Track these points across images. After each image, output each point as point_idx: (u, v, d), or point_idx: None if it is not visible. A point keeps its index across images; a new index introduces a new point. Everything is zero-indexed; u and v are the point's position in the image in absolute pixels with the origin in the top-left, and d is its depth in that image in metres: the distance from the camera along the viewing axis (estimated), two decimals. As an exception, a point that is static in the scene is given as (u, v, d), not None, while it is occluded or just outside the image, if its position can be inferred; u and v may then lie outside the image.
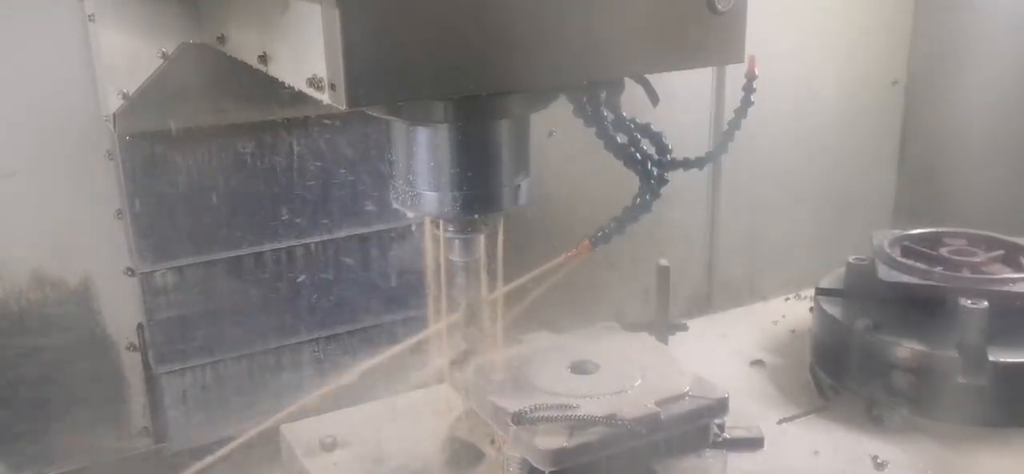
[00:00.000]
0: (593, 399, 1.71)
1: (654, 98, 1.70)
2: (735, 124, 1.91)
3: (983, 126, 3.02)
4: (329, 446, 1.97)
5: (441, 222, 1.75)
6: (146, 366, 2.33)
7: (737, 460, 1.89)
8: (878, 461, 1.94)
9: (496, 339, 1.92)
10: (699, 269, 3.11)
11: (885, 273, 2.15)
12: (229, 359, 2.35)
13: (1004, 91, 2.93)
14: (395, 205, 1.72)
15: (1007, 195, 2.90)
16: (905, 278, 2.13)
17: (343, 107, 1.31)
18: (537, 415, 1.64)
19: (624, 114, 1.75)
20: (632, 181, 2.52)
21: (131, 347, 2.32)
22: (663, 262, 2.06)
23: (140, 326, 2.30)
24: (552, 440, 1.62)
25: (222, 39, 1.93)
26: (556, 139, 2.61)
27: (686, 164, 1.90)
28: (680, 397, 1.73)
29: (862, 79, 3.23)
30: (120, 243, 2.24)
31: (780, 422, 2.09)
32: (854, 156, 3.26)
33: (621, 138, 1.80)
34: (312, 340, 2.42)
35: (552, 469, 1.62)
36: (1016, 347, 2.02)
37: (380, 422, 2.07)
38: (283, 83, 1.56)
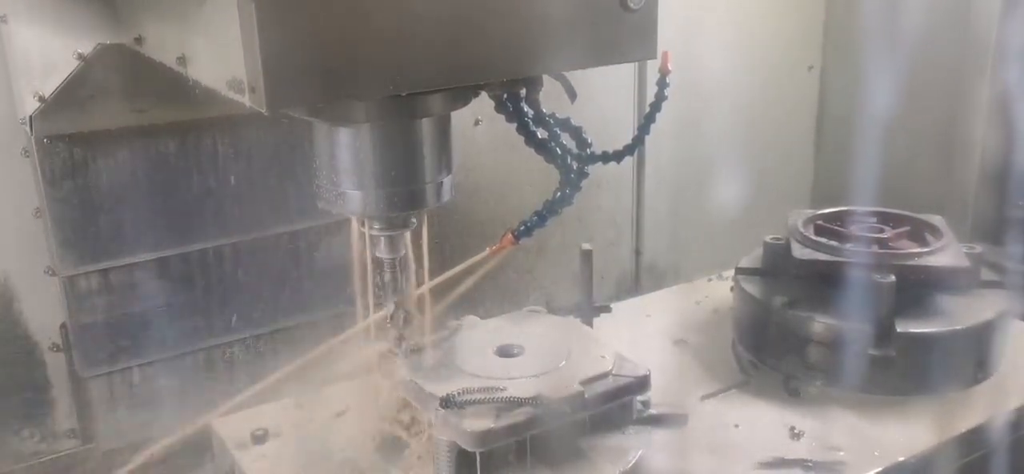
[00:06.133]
0: (519, 381, 1.76)
1: (572, 94, 1.76)
2: (650, 118, 1.96)
3: (895, 109, 3.13)
4: (260, 438, 1.98)
5: (366, 220, 1.78)
6: (71, 367, 2.29)
7: (662, 435, 1.96)
8: (795, 432, 2.01)
9: (426, 333, 1.95)
10: (626, 254, 3.17)
11: (799, 251, 2.22)
12: (157, 361, 2.32)
13: (915, 74, 3.02)
14: (320, 205, 1.74)
15: (918, 174, 3.02)
16: (817, 255, 2.20)
17: (264, 110, 1.31)
18: (464, 399, 1.68)
19: (544, 110, 1.79)
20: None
21: (55, 348, 2.28)
22: (586, 246, 2.11)
23: (63, 326, 2.26)
24: (479, 422, 1.65)
25: (140, 40, 1.91)
26: (482, 128, 2.63)
27: (605, 158, 1.96)
28: (603, 376, 1.78)
29: (779, 66, 3.30)
30: (39, 242, 2.20)
31: (703, 398, 2.17)
32: (773, 141, 3.33)
33: (542, 133, 1.84)
34: (242, 339, 2.41)
35: (480, 450, 1.66)
36: (922, 319, 2.11)
37: (311, 414, 2.08)
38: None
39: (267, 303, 2.41)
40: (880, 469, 1.90)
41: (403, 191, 1.67)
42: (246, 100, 1.35)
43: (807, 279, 2.21)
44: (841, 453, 1.93)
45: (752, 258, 2.40)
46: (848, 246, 2.24)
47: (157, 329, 2.30)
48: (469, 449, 1.66)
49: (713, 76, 3.12)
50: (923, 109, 3.00)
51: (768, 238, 2.33)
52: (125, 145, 2.14)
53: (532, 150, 1.85)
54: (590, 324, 2.13)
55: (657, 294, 2.82)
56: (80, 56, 2.02)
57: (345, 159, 1.66)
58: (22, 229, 2.18)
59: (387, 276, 1.83)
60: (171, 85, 1.96)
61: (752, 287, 2.28)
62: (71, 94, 2.03)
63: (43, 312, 2.25)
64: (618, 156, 1.98)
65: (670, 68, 1.90)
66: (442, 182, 1.73)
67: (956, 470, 2.00)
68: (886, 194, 2.52)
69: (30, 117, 2.02)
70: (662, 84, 1.92)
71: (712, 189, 3.24)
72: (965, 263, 2.15)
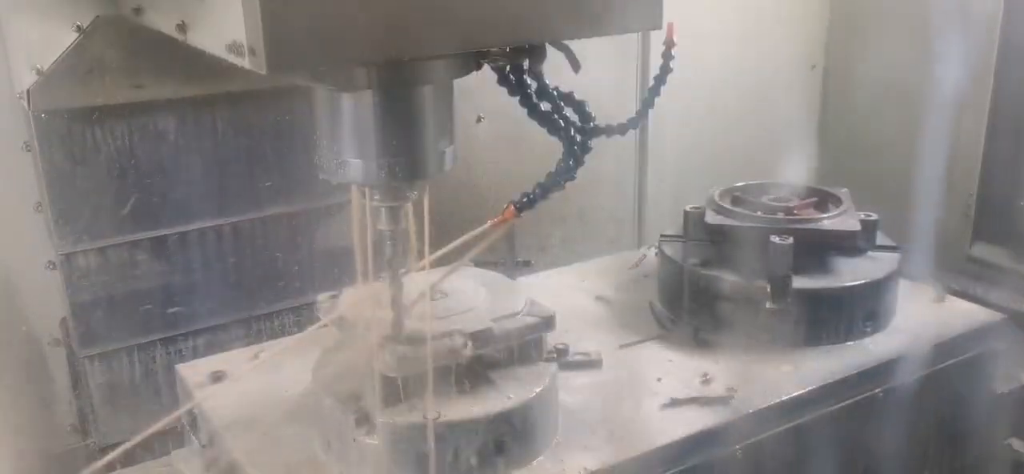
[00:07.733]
0: (443, 319, 1.94)
1: (575, 64, 1.73)
2: (655, 91, 1.96)
3: (897, 107, 3.21)
4: (218, 378, 2.15)
5: (367, 191, 1.75)
6: (71, 362, 2.33)
7: (586, 381, 2.17)
8: (706, 378, 2.19)
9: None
10: (629, 249, 3.17)
11: (711, 218, 2.45)
12: (156, 341, 2.33)
13: (917, 73, 3.04)
14: (321, 176, 1.73)
15: (919, 171, 3.03)
16: (726, 221, 2.43)
17: (263, 72, 1.31)
18: (394, 335, 1.86)
19: (548, 82, 1.78)
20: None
21: (55, 342, 2.31)
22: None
23: (63, 321, 2.29)
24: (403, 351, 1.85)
25: (138, 10, 1.90)
26: (484, 125, 2.71)
27: (608, 131, 1.92)
28: (512, 315, 1.97)
29: (782, 63, 3.39)
30: (40, 237, 2.22)
31: (622, 347, 2.34)
32: (776, 138, 3.38)
33: (545, 106, 1.82)
34: (241, 319, 2.44)
35: (400, 376, 1.85)
36: (817, 277, 2.32)
37: (267, 358, 2.25)
38: (203, 55, 1.54)
39: (268, 284, 2.38)
40: (766, 405, 2.09)
41: (405, 160, 1.66)
42: (246, 63, 1.35)
43: (719, 243, 2.42)
44: (736, 392, 2.12)
45: (677, 227, 2.61)
46: (757, 213, 2.45)
47: (155, 309, 2.31)
48: (392, 375, 1.87)
49: (716, 74, 3.21)
50: (925, 108, 2.99)
51: (688, 207, 2.53)
52: (124, 121, 2.15)
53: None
54: (513, 278, 2.32)
55: (594, 262, 2.92)
56: (78, 28, 2.04)
57: (346, 127, 1.64)
58: (23, 224, 2.21)
59: (388, 249, 1.81)
60: (169, 60, 1.96)
61: (671, 250, 2.50)
62: (69, 67, 2.05)
63: (43, 307, 2.28)
64: (622, 129, 1.96)
65: (675, 40, 1.89)
66: (444, 152, 1.72)
67: (835, 411, 2.18)
68: (887, 191, 2.66)
69: (28, 91, 2.04)
70: (668, 56, 1.92)
71: (715, 187, 3.36)
72: (856, 227, 2.37)
